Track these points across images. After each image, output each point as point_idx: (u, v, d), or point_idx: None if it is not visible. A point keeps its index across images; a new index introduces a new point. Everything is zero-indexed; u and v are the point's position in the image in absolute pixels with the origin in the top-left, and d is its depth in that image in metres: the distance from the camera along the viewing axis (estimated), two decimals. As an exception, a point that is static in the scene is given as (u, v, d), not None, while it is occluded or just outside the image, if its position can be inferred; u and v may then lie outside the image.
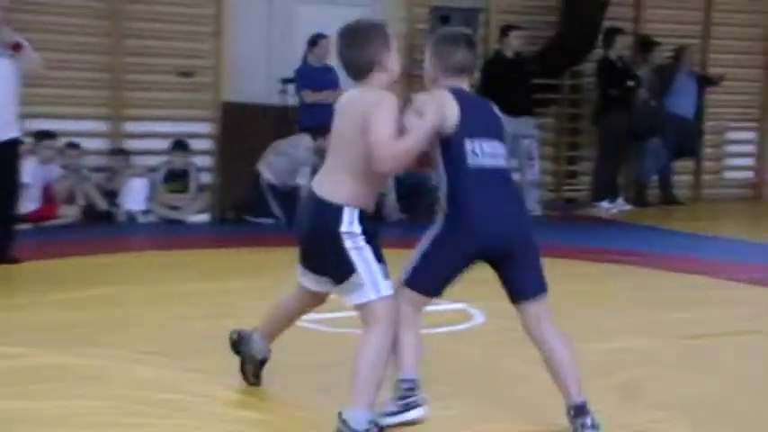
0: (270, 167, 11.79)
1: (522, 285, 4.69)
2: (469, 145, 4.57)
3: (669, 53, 14.46)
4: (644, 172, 14.46)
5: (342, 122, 4.58)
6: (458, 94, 4.65)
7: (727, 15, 15.39)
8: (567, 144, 14.75)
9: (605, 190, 13.69)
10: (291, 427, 4.74)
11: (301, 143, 11.81)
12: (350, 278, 4.49)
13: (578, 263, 9.43)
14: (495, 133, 4.73)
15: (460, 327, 6.73)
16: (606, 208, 13.45)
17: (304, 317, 5.31)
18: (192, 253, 9.83)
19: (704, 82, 14.71)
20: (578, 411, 4.51)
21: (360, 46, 4.60)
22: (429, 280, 4.69)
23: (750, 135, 16.03)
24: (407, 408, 4.65)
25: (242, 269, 8.91)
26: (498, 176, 4.66)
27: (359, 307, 4.54)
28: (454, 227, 4.59)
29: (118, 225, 11.61)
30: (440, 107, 4.55)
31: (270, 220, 11.78)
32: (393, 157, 4.39)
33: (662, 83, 14.20)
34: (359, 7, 13.47)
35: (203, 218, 12.12)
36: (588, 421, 4.47)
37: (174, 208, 11.98)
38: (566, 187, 14.68)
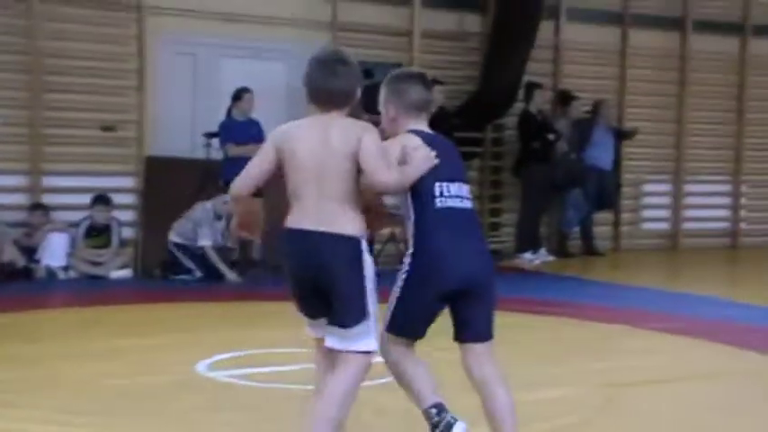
0: (175, 230, 11.79)
1: (477, 326, 4.66)
2: (438, 188, 4.59)
3: (587, 107, 14.69)
4: (566, 223, 14.62)
5: (324, 153, 4.37)
6: (425, 138, 4.66)
7: (641, 72, 15.76)
8: (490, 196, 14.85)
9: (528, 241, 13.81)
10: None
11: (201, 204, 11.83)
12: (361, 323, 4.35)
13: (500, 313, 9.35)
14: (460, 175, 4.76)
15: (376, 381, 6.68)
16: (529, 259, 13.56)
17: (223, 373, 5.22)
18: (114, 309, 9.71)
19: (621, 135, 14.96)
20: None
21: (348, 75, 4.56)
22: (409, 323, 4.63)
23: (665, 187, 16.29)
24: (449, 427, 4.56)
25: (164, 325, 8.80)
26: (464, 217, 4.67)
27: (354, 353, 4.37)
28: (423, 266, 4.58)
29: (37, 282, 11.44)
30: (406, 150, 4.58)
31: (190, 277, 11.70)
32: (398, 182, 4.45)
33: (580, 136, 14.38)
34: (280, 62, 13.56)
35: (126, 273, 12.00)
36: None
37: (96, 264, 11.85)
38: (489, 239, 14.74)
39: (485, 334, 4.68)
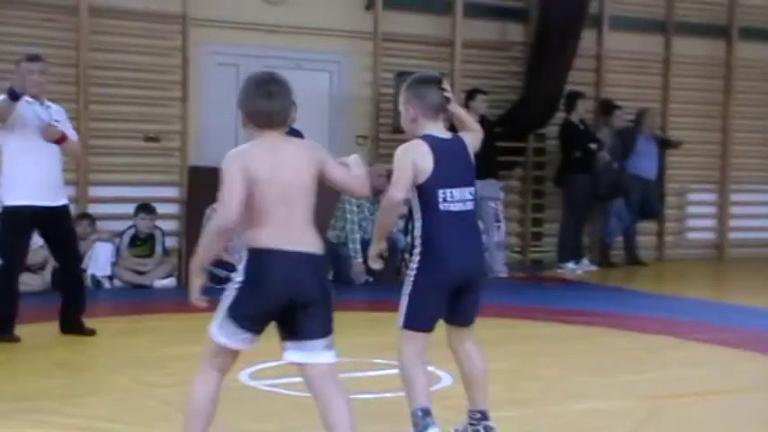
0: None
1: (469, 313, 5.17)
2: (441, 194, 4.98)
3: (630, 116, 14.56)
4: (608, 233, 14.53)
5: (290, 173, 4.43)
6: (433, 143, 5.03)
7: (685, 80, 15.66)
8: (533, 206, 14.81)
9: (570, 251, 13.74)
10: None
11: None
12: (330, 335, 4.43)
13: (544, 324, 9.41)
14: (465, 180, 5.14)
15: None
16: (572, 269, 13.49)
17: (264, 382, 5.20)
18: (158, 318, 9.74)
19: (665, 145, 14.84)
20: (484, 416, 5.16)
21: (288, 94, 4.58)
22: (422, 317, 4.99)
23: (710, 197, 16.14)
24: (426, 427, 4.92)
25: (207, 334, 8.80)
26: (465, 217, 5.08)
27: (331, 367, 4.44)
28: (429, 263, 4.97)
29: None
30: (414, 161, 4.98)
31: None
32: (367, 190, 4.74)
33: (623, 145, 14.29)
34: (323, 72, 13.57)
35: (170, 282, 12.03)
36: (491, 424, 5.14)
37: (140, 273, 11.89)
38: (531, 249, 14.69)
39: (472, 319, 5.19)
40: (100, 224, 12.11)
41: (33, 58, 8.45)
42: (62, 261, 8.75)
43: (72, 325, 8.53)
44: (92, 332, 8.54)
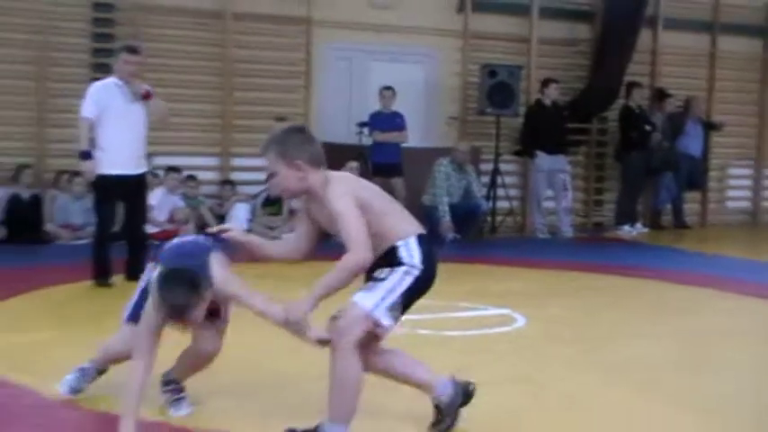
0: None
1: None
2: None
3: (679, 103, 14.34)
4: (659, 201, 14.34)
5: (365, 180, 4.31)
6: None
7: (728, 72, 15.26)
8: (595, 177, 14.63)
9: (627, 216, 13.58)
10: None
11: None
12: None
13: (604, 277, 9.31)
14: None
15: (506, 328, 6.63)
16: (627, 231, 13.34)
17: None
18: (282, 265, 9.83)
19: (709, 127, 14.60)
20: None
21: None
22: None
23: (747, 171, 15.86)
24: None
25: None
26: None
27: None
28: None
29: (224, 241, 11.62)
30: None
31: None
32: None
33: (674, 127, 14.09)
34: (419, 64, 13.55)
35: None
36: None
37: (270, 228, 12.01)
38: (594, 213, 14.56)
39: None
40: (239, 188, 12.26)
41: (130, 50, 8.18)
42: (132, 220, 8.44)
43: (135, 273, 7.97)
44: None
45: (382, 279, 3.87)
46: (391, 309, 3.84)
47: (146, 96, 8.10)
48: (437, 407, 4.14)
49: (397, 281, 3.87)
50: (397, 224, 4.00)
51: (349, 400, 3.87)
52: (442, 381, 4.14)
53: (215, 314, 4.34)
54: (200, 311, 3.94)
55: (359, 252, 3.78)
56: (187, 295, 3.86)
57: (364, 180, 4.34)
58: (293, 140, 4.08)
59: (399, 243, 3.92)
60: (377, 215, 3.93)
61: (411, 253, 3.91)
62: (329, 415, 3.89)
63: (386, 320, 3.84)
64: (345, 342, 3.79)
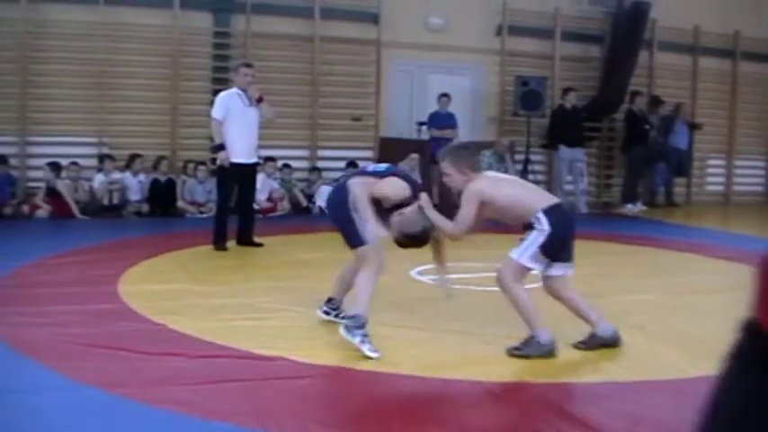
0: None
1: None
2: None
3: (671, 108, 14.13)
4: (654, 185, 14.18)
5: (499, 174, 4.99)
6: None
7: (706, 84, 15.06)
8: (605, 166, 14.51)
9: (630, 196, 13.45)
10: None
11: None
12: None
13: (612, 245, 9.26)
14: None
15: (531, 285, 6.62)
16: (630, 208, 13.20)
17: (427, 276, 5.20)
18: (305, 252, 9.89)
19: (693, 127, 14.42)
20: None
21: None
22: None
23: (721, 162, 15.64)
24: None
25: (391, 244, 8.91)
26: None
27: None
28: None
29: (313, 216, 11.77)
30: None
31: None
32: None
33: (666, 127, 13.92)
34: (466, 77, 13.51)
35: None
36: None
37: (349, 205, 12.08)
38: (604, 194, 14.44)
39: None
40: (324, 173, 12.34)
41: (247, 65, 8.31)
42: (244, 198, 8.38)
43: (246, 240, 8.30)
44: (260, 245, 8.28)
45: (524, 239, 4.46)
46: (531, 256, 4.42)
47: (259, 100, 8.22)
48: (593, 335, 4.62)
49: (532, 240, 4.42)
50: (532, 203, 4.46)
51: (530, 312, 4.46)
52: (603, 322, 4.64)
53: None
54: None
55: (455, 229, 4.50)
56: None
57: (504, 177, 4.92)
58: (462, 154, 4.64)
59: (533, 216, 4.42)
60: (512, 202, 4.48)
61: (541, 221, 4.40)
62: (531, 328, 4.45)
63: (528, 264, 4.46)
64: (503, 278, 4.46)
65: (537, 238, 4.40)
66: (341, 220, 4.69)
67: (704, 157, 15.38)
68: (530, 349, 4.41)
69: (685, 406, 3.66)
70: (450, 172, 4.56)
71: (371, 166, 5.12)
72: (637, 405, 3.71)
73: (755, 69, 15.44)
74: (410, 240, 4.61)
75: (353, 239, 4.66)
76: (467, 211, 4.44)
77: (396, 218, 4.61)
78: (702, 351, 4.60)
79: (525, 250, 4.43)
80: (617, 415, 3.58)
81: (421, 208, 4.56)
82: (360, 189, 4.61)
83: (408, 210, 4.59)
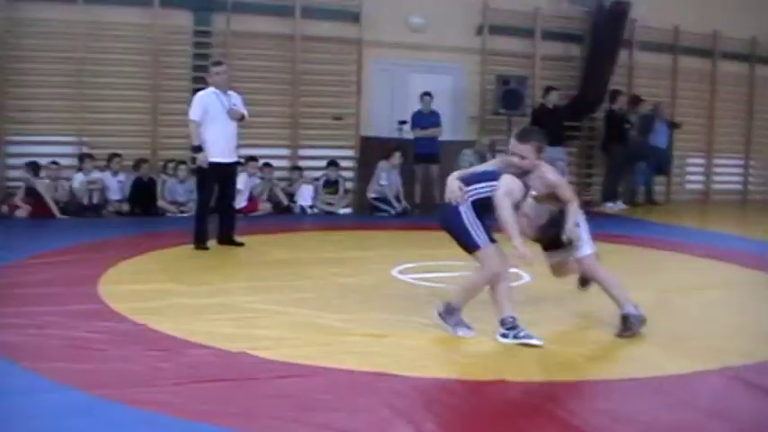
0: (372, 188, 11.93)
1: None
2: None
3: (650, 107, 14.21)
4: (635, 183, 14.25)
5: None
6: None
7: (686, 84, 15.19)
8: (585, 164, 14.58)
9: (610, 195, 13.56)
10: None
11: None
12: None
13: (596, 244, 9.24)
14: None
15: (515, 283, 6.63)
16: (611, 207, 13.29)
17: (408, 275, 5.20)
18: (340, 233, 9.91)
19: (672, 126, 14.49)
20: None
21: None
22: None
23: (701, 161, 15.75)
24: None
25: (371, 243, 8.96)
26: None
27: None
28: None
29: (294, 215, 11.76)
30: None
31: (387, 214, 11.77)
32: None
33: (646, 126, 14.00)
34: (448, 75, 13.52)
35: (348, 211, 12.21)
36: None
37: (329, 204, 12.09)
38: (584, 192, 14.49)
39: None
40: (305, 173, 12.31)
41: (217, 63, 8.29)
42: (224, 198, 8.32)
43: (227, 239, 8.28)
44: (241, 244, 8.24)
45: (570, 237, 4.87)
46: (590, 243, 5.04)
47: (240, 119, 8.16)
48: (624, 317, 4.91)
49: (584, 229, 5.04)
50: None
51: (619, 290, 4.95)
52: (631, 305, 4.92)
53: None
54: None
55: (577, 199, 4.89)
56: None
57: None
58: (543, 141, 4.81)
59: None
60: None
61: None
62: (621, 305, 4.89)
63: (590, 251, 5.05)
64: (592, 268, 5.09)
65: (583, 225, 4.86)
66: (456, 226, 4.69)
67: (684, 156, 15.49)
68: (633, 326, 4.83)
69: (665, 404, 3.70)
70: (530, 156, 4.70)
71: (480, 169, 5.02)
72: (617, 403, 3.74)
73: (734, 69, 15.58)
74: (548, 230, 4.80)
75: (470, 244, 4.69)
76: (565, 185, 4.86)
77: (523, 220, 4.66)
78: (683, 349, 4.65)
79: (583, 242, 4.92)
80: (597, 413, 3.60)
81: (533, 199, 4.72)
82: (509, 204, 4.59)
83: (526, 207, 4.66)
